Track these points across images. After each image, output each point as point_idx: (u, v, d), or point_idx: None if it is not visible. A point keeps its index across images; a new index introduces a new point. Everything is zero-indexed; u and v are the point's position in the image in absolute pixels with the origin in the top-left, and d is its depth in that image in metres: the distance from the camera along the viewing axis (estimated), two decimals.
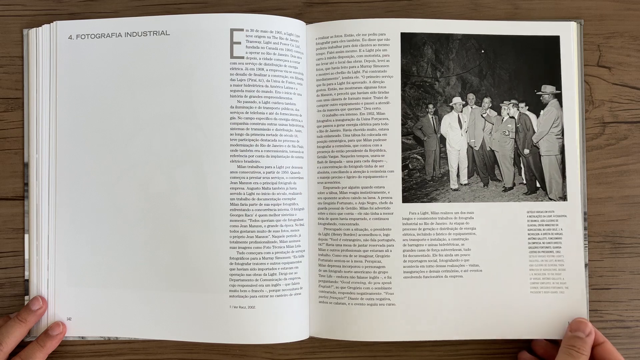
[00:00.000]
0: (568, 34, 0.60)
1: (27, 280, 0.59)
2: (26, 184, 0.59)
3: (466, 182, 0.59)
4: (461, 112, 0.59)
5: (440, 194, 0.59)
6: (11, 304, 0.60)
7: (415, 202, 0.58)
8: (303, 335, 0.58)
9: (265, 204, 0.57)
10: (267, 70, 0.57)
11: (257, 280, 0.56)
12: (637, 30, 0.61)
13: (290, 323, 0.57)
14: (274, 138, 0.57)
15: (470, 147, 0.60)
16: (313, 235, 0.58)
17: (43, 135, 0.59)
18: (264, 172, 0.57)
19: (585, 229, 0.58)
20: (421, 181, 0.58)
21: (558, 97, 0.59)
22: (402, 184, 0.58)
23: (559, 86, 0.59)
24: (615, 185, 0.60)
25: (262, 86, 0.57)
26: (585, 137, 0.60)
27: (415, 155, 0.58)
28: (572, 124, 0.59)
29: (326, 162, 0.58)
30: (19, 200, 0.60)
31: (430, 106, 0.59)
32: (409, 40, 0.59)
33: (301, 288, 0.58)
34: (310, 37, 0.59)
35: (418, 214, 0.58)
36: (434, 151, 0.59)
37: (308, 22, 0.59)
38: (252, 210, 0.57)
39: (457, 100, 0.59)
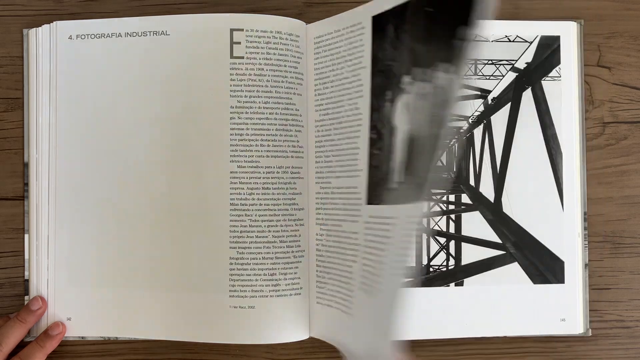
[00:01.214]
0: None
1: (27, 280, 0.59)
2: (26, 184, 0.59)
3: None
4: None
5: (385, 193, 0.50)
6: (11, 304, 0.60)
7: (378, 203, 0.50)
8: (303, 336, 0.58)
9: (265, 204, 0.57)
10: (267, 70, 0.57)
11: (257, 280, 0.56)
12: (637, 30, 0.61)
13: (290, 323, 0.57)
14: (273, 138, 0.57)
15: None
16: (312, 236, 0.58)
17: (43, 135, 0.59)
18: (264, 172, 0.57)
19: (585, 229, 0.58)
20: (382, 179, 0.50)
21: None
22: (367, 183, 0.52)
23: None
24: (615, 185, 0.60)
25: (262, 86, 0.57)
26: (586, 137, 0.60)
27: (376, 152, 0.51)
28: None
29: (322, 162, 0.58)
30: (19, 200, 0.60)
31: (388, 93, 0.50)
32: (379, 23, 0.52)
33: (301, 288, 0.58)
34: (310, 37, 0.59)
35: (381, 217, 0.50)
36: (388, 145, 0.50)
37: (308, 22, 0.59)
38: (252, 210, 0.57)
39: (406, 79, 0.48)
